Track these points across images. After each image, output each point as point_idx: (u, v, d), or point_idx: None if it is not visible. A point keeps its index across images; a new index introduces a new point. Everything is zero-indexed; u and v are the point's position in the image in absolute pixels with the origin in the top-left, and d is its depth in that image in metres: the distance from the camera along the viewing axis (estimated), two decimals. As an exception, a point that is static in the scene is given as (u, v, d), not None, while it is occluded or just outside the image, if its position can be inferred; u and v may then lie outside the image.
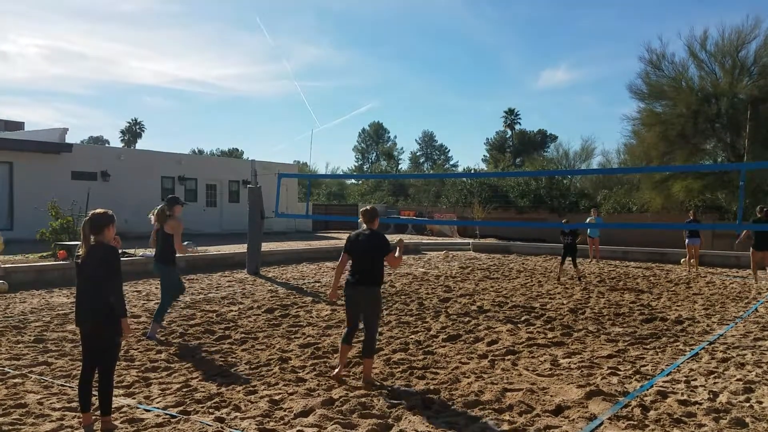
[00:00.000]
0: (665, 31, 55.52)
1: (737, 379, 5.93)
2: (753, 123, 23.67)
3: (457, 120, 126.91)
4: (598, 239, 18.39)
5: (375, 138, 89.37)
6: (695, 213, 17.53)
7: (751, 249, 13.25)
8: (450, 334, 7.90)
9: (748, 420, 4.78)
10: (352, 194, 55.78)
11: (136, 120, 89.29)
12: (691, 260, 16.24)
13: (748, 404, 5.19)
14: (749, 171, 21.00)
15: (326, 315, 9.20)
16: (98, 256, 4.43)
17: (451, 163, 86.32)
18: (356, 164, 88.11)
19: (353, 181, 64.06)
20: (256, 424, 4.64)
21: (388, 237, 6.40)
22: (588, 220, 18.88)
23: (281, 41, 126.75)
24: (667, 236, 19.18)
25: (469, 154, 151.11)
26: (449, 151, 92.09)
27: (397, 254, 6.05)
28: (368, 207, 6.21)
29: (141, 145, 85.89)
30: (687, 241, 16.22)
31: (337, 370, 5.90)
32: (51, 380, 5.75)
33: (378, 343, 7.26)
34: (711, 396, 5.41)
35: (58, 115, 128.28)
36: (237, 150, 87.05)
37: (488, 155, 76.91)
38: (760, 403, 5.23)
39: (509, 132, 77.96)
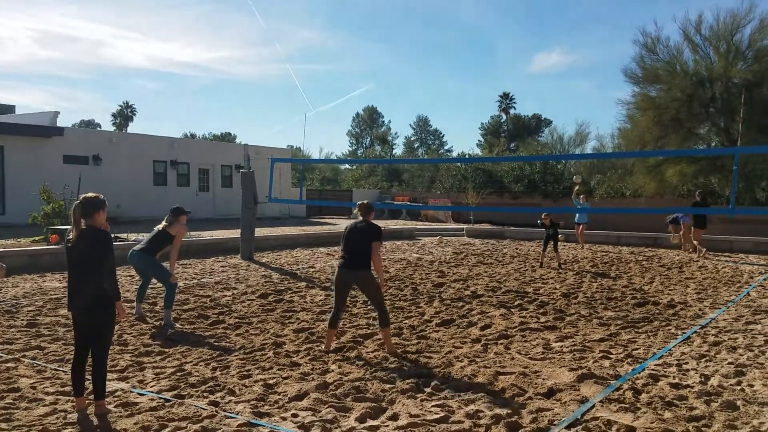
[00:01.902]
0: (660, 15, 55.51)
1: (729, 363, 5.98)
2: (747, 107, 23.63)
3: (452, 104, 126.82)
4: (585, 225, 17.92)
5: (369, 122, 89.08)
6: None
7: (692, 228, 15.97)
8: (444, 319, 7.92)
9: (739, 403, 4.81)
10: (346, 179, 55.68)
11: (127, 103, 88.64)
12: (687, 242, 16.50)
13: (739, 387, 5.24)
14: (742, 155, 21.05)
15: (320, 300, 9.20)
16: (89, 240, 4.40)
17: (446, 148, 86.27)
18: (350, 149, 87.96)
19: (347, 166, 63.93)
20: (251, 408, 4.65)
21: (382, 223, 6.59)
22: (573, 196, 18.55)
23: (273, 23, 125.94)
24: (661, 221, 19.23)
25: (463, 139, 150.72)
26: (444, 135, 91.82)
27: (379, 255, 6.40)
28: (365, 201, 6.78)
29: (133, 128, 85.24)
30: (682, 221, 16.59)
31: (324, 347, 6.41)
32: (44, 364, 5.75)
33: (372, 327, 7.31)
34: (702, 379, 5.45)
35: (49, 99, 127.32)
36: (230, 134, 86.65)
37: (483, 140, 76.82)
38: (752, 386, 5.27)
39: (504, 116, 77.84)
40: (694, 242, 15.87)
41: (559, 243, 13.98)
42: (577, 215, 18.02)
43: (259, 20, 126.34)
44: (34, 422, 4.34)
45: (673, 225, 16.83)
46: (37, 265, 11.99)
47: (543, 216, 13.67)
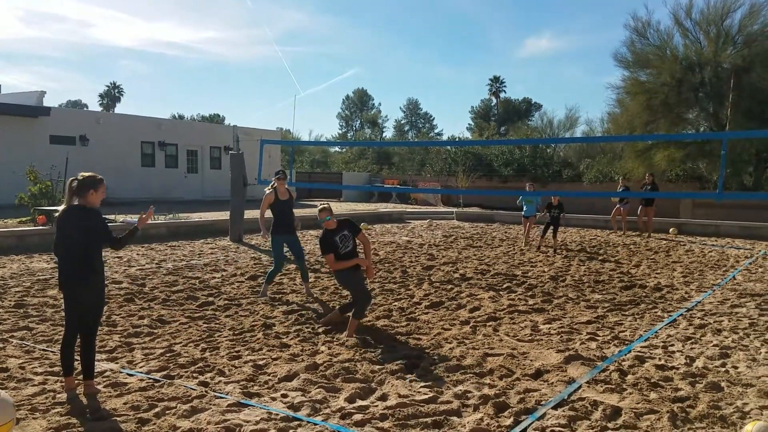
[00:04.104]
0: (651, -1, 55.58)
1: (714, 345, 6.06)
2: (736, 92, 23.72)
3: (442, 88, 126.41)
4: (534, 218, 14.65)
5: (359, 105, 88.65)
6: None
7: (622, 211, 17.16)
8: (433, 301, 7.96)
9: (723, 384, 4.89)
10: (336, 162, 55.49)
11: (114, 84, 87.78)
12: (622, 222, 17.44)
13: (723, 369, 5.31)
14: (730, 140, 21.16)
15: (309, 282, 9.19)
16: (81, 218, 4.38)
17: (436, 131, 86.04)
18: (340, 132, 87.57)
19: (337, 148, 63.71)
20: (240, 388, 4.67)
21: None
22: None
23: (261, 4, 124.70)
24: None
25: (453, 123, 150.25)
26: (434, 119, 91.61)
27: (330, 264, 6.40)
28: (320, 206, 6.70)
29: (120, 109, 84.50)
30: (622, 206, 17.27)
31: (321, 320, 6.75)
32: (32, 345, 5.73)
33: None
34: (688, 361, 5.52)
35: (34, 79, 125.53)
36: (218, 116, 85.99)
37: (473, 123, 76.74)
38: (736, 368, 5.35)
39: (494, 100, 77.69)
40: (643, 219, 16.92)
41: (559, 228, 13.90)
42: (524, 208, 14.53)
43: (247, 1, 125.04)
44: (23, 402, 4.34)
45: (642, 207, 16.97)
46: (25, 245, 11.91)
47: (552, 198, 13.58)
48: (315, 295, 8.24)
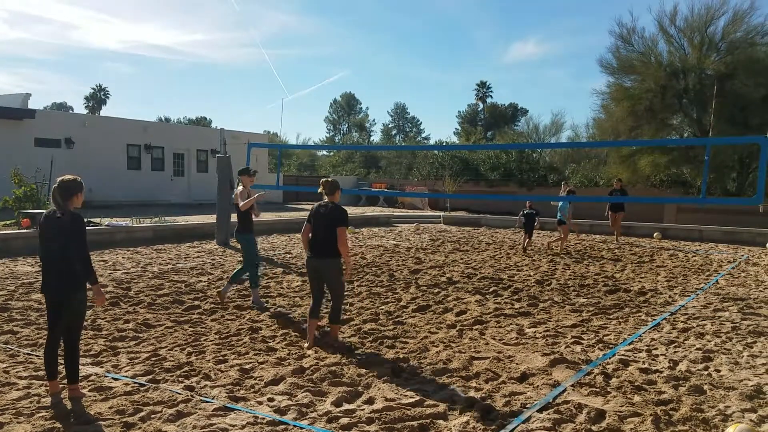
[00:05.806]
0: (636, 6, 55.91)
1: (697, 349, 6.13)
2: (719, 99, 24.03)
3: (430, 92, 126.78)
4: (565, 225, 14.21)
5: (347, 109, 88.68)
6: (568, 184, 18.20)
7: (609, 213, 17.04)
8: (420, 305, 7.98)
9: (706, 387, 4.95)
10: (324, 165, 55.48)
11: (100, 86, 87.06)
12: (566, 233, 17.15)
13: (706, 372, 5.38)
14: (714, 146, 21.41)
15: (297, 286, 9.20)
16: (63, 222, 4.36)
17: (423, 135, 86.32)
18: (328, 135, 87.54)
19: (324, 152, 63.69)
20: (227, 393, 4.65)
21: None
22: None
23: (248, 7, 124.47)
24: (634, 210, 19.53)
25: (441, 127, 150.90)
26: (421, 123, 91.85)
27: (345, 240, 5.87)
28: (329, 179, 6.21)
29: (106, 112, 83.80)
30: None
31: (307, 344, 5.97)
32: (17, 349, 5.68)
33: (349, 313, 7.33)
34: (671, 364, 5.58)
35: (18, 81, 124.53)
36: (205, 119, 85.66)
37: (460, 128, 77.00)
38: (718, 371, 5.41)
39: (481, 105, 78.04)
40: (616, 227, 17.01)
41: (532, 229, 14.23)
42: (558, 214, 14.25)
43: (233, 3, 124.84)
44: (7, 406, 4.30)
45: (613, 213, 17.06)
46: (9, 249, 11.79)
47: (528, 202, 14.49)
48: (264, 304, 7.87)
